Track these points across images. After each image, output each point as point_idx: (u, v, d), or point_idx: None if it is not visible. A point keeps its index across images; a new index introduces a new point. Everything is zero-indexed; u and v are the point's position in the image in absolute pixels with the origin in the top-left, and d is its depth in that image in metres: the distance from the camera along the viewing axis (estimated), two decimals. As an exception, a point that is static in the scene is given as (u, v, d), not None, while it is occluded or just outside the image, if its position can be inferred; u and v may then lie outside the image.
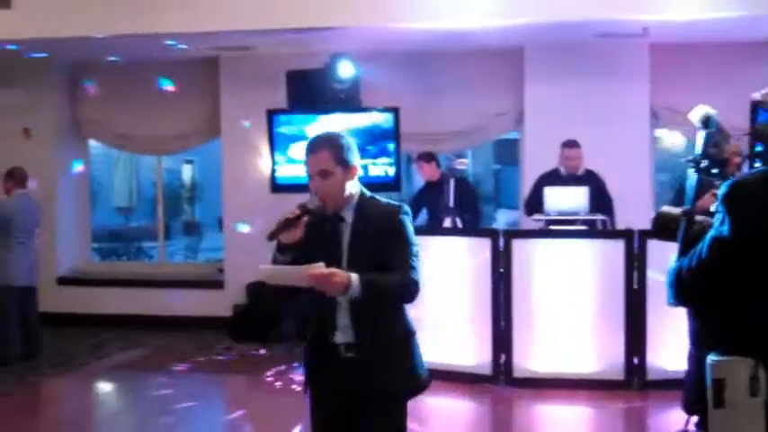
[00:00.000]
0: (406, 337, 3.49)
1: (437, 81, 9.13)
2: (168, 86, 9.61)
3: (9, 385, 7.21)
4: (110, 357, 8.34)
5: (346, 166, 3.24)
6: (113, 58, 9.55)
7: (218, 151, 9.86)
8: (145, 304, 9.64)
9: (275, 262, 3.25)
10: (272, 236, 3.23)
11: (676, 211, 2.91)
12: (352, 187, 3.29)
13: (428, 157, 8.49)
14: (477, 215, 8.52)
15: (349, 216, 3.32)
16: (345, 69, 7.56)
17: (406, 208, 3.34)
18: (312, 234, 3.29)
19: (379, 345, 3.38)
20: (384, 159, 7.21)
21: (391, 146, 7.19)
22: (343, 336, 3.38)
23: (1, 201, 8.00)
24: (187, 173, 21.94)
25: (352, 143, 3.30)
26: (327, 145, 3.24)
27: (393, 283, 3.28)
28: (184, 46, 8.73)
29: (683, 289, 2.68)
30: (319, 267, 3.07)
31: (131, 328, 9.38)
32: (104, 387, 7.76)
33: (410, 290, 3.31)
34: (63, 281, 10.02)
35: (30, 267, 8.05)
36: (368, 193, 3.37)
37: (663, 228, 2.98)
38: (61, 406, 7.24)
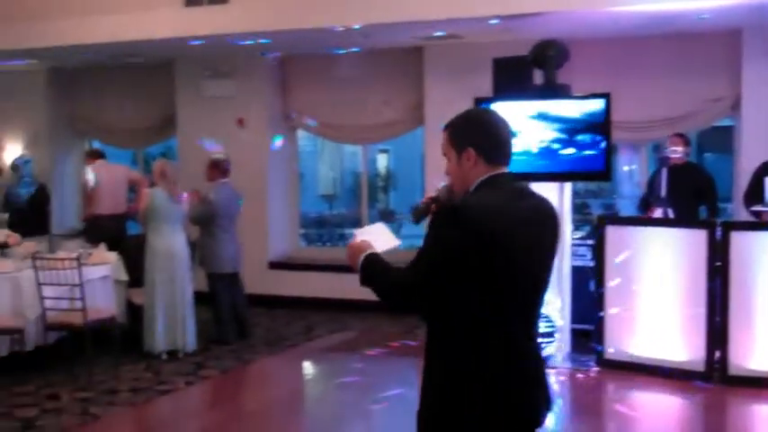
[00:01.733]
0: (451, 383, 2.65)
1: (646, 66, 8.86)
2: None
3: (229, 362, 7.64)
4: (319, 339, 8.65)
5: (458, 149, 2.75)
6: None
7: (411, 140, 9.93)
8: (350, 289, 9.86)
9: None
10: (415, 219, 3.02)
11: None
12: (476, 175, 2.74)
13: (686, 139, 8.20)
14: (716, 207, 8.10)
15: None
16: (553, 56, 7.42)
17: (457, 209, 2.63)
18: None
19: (423, 386, 2.76)
20: (594, 147, 7.03)
21: (601, 133, 7.00)
22: None
23: (207, 194, 8.29)
24: (382, 162, 22.37)
25: (473, 123, 2.79)
26: (448, 125, 2.83)
27: (390, 276, 2.73)
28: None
29: None
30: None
31: (338, 311, 9.70)
32: (314, 367, 8.04)
33: (394, 292, 2.72)
34: (274, 265, 10.46)
35: (234, 254, 8.38)
36: (486, 186, 2.73)
37: None
38: (274, 384, 7.59)
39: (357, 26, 8.22)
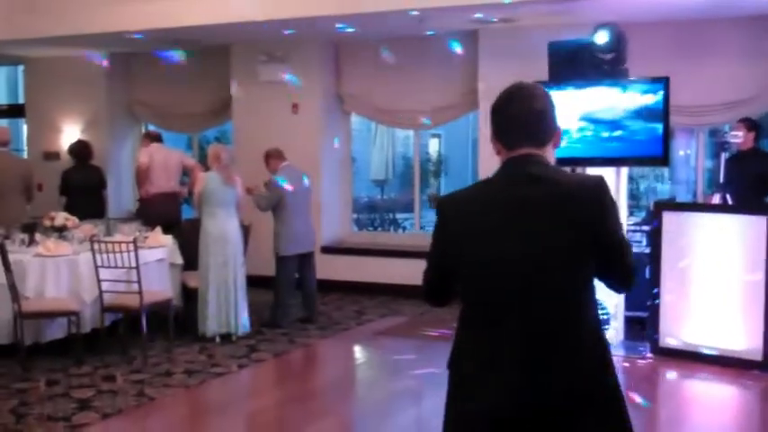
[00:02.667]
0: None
1: (706, 50, 8.68)
2: (458, 49, 9.66)
3: (281, 346, 7.69)
4: (371, 323, 8.67)
5: None
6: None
7: (464, 125, 9.85)
8: (403, 274, 9.89)
9: None
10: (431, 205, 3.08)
11: None
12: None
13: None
14: None
15: None
16: (610, 39, 7.29)
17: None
18: None
19: None
20: (652, 132, 6.91)
21: (660, 118, 6.88)
22: None
23: (270, 179, 8.36)
24: (433, 146, 22.28)
25: (492, 107, 2.69)
26: None
27: None
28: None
29: None
30: None
31: (390, 296, 9.72)
32: (365, 351, 8.04)
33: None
34: (326, 250, 10.49)
35: (300, 235, 8.40)
36: (497, 173, 2.68)
37: None
38: (326, 367, 7.67)
39: (414, 12, 8.18)
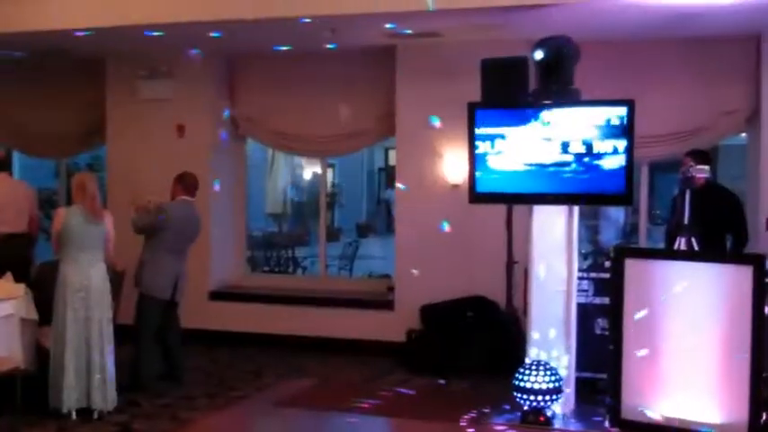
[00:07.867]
0: None
1: (649, 74, 7.76)
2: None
3: (162, 424, 6.13)
4: (271, 388, 7.23)
5: None
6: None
7: (356, 154, 8.77)
8: (306, 325, 8.61)
9: None
10: None
11: None
12: None
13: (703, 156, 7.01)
14: (745, 235, 7.04)
15: None
16: (553, 56, 6.21)
17: None
18: None
19: None
20: (612, 163, 5.82)
21: (622, 147, 5.80)
22: None
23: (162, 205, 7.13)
24: (327, 177, 21.24)
25: None
26: None
27: None
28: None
29: None
30: None
31: (291, 350, 8.38)
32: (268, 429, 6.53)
33: None
34: (216, 295, 9.08)
35: (177, 278, 7.24)
36: None
37: None
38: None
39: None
